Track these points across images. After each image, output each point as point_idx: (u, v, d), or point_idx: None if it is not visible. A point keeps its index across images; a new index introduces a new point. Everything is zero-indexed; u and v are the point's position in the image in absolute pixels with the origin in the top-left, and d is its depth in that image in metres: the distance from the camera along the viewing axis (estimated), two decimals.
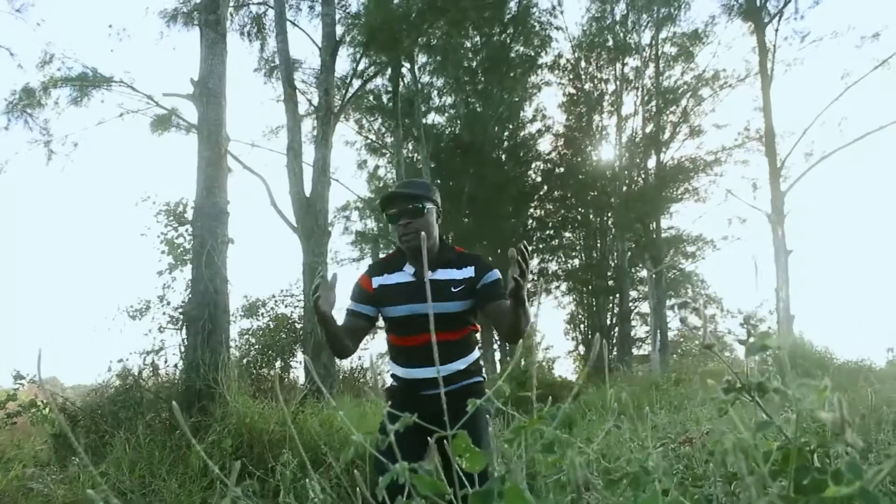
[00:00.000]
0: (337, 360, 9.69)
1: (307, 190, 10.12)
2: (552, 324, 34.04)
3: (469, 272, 2.36)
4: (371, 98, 19.99)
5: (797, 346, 9.65)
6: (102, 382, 6.37)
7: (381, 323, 2.51)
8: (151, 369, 6.35)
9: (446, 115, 22.73)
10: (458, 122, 22.20)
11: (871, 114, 35.04)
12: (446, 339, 2.32)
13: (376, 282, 2.42)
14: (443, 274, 2.34)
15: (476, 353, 2.47)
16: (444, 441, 0.99)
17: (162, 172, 27.60)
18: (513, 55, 20.96)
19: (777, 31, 16.74)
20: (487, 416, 1.61)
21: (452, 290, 2.32)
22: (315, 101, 12.32)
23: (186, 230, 6.94)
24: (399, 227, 2.34)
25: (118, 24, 18.51)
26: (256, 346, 9.08)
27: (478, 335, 2.50)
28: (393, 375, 2.47)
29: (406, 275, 2.38)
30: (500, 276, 2.37)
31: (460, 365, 2.37)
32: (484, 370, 2.50)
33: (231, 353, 6.94)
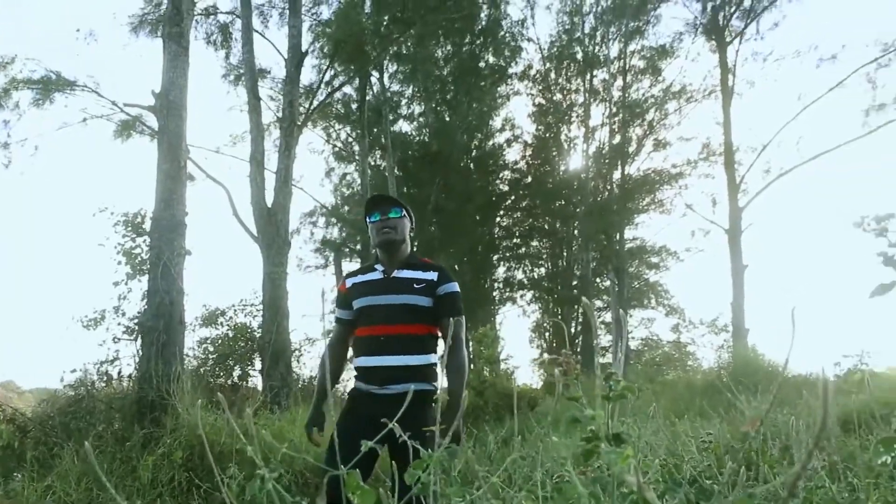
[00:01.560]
0: (294, 369, 9.76)
1: (269, 200, 10.18)
2: (517, 332, 34.36)
3: (431, 276, 2.65)
4: (339, 106, 20.03)
5: (750, 360, 9.95)
6: (54, 392, 6.40)
7: None
8: (104, 380, 6.39)
9: (415, 123, 22.84)
10: (426, 130, 22.30)
11: (829, 132, 36.00)
12: (405, 331, 2.57)
13: (350, 282, 2.76)
14: (407, 273, 2.66)
15: (433, 358, 2.60)
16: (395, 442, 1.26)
17: (123, 179, 26.97)
18: (482, 65, 21.15)
19: (738, 51, 17.23)
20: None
21: (415, 286, 2.62)
22: (281, 111, 12.38)
23: (144, 241, 6.97)
24: (379, 222, 2.70)
25: (84, 28, 18.26)
26: (214, 355, 9.10)
27: (437, 342, 2.67)
28: (356, 371, 2.66)
29: (377, 273, 2.70)
30: (458, 291, 2.68)
31: (415, 360, 2.54)
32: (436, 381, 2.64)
33: (187, 364, 6.99)
